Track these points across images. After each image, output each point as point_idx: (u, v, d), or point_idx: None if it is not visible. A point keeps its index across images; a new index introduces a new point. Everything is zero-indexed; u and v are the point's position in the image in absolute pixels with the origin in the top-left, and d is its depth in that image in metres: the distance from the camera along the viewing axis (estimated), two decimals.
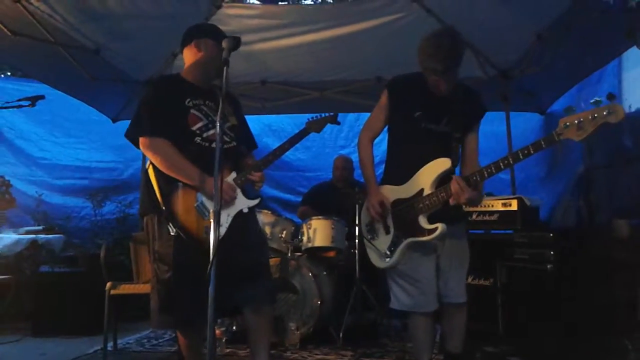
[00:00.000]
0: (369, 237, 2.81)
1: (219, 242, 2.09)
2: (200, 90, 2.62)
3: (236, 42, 2.23)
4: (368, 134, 2.84)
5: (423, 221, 2.57)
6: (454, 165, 2.59)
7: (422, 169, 2.61)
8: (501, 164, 2.38)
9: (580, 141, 2.23)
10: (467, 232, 2.87)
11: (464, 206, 2.67)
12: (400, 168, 2.72)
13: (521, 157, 2.31)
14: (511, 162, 2.36)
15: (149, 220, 2.57)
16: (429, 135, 2.65)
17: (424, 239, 2.56)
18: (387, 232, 2.71)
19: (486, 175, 2.42)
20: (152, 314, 2.56)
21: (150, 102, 2.57)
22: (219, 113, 2.11)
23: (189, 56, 2.68)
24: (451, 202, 2.48)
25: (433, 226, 2.54)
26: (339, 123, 3.15)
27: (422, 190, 2.59)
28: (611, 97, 2.16)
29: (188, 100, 2.56)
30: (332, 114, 3.08)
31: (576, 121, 2.19)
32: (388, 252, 2.68)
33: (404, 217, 2.64)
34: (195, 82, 2.64)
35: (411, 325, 2.78)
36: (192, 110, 2.55)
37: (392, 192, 2.70)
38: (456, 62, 2.52)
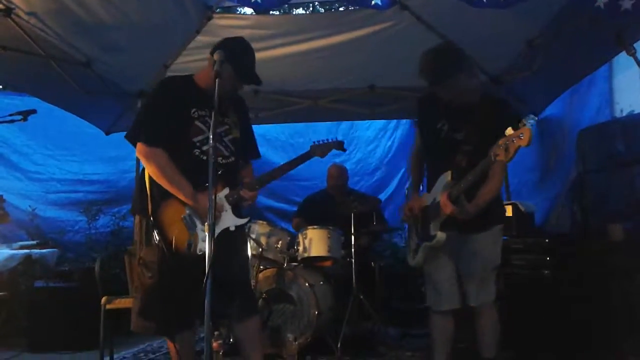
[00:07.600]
0: (408, 237, 3.12)
1: (201, 257, 2.08)
2: (209, 100, 2.56)
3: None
4: (412, 149, 3.19)
5: (433, 228, 2.79)
6: (454, 177, 2.69)
7: (438, 179, 2.81)
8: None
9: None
10: (500, 237, 2.91)
11: (491, 214, 2.79)
12: (431, 176, 2.96)
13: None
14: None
15: (139, 221, 2.58)
16: (450, 145, 2.80)
17: (429, 244, 2.81)
18: (417, 236, 2.98)
19: (463, 187, 2.59)
20: (132, 315, 2.58)
21: (154, 106, 2.55)
22: (211, 126, 2.07)
23: (211, 65, 2.55)
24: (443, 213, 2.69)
25: (435, 234, 2.74)
26: (345, 150, 3.23)
27: (436, 199, 2.78)
28: (521, 122, 2.32)
29: (194, 110, 2.55)
30: (338, 139, 3.14)
31: (502, 144, 2.33)
32: (414, 254, 2.96)
33: (424, 222, 2.89)
34: (206, 90, 2.58)
35: (430, 324, 3.00)
36: (196, 122, 2.54)
37: (425, 199, 2.95)
38: (443, 73, 2.62)
